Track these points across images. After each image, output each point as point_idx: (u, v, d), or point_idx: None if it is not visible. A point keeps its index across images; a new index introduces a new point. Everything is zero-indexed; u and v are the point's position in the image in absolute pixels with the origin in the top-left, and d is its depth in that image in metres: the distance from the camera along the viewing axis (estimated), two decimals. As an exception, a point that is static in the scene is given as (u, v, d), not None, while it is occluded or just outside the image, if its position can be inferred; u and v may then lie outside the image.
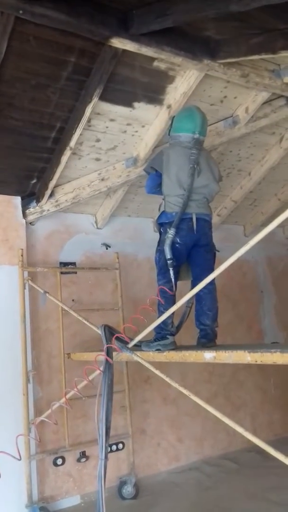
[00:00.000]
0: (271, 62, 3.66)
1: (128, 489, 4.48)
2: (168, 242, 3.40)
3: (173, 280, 3.41)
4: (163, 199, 3.59)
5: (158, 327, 3.28)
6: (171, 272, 3.41)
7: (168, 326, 3.36)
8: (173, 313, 3.24)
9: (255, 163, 5.18)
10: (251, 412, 5.88)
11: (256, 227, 6.17)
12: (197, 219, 3.47)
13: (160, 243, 3.52)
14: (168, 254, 3.39)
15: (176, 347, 3.35)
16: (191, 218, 3.46)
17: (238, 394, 5.80)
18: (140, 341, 3.34)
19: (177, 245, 3.43)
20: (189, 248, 3.52)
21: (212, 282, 3.13)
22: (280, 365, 2.64)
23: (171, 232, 3.40)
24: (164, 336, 3.34)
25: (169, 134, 3.71)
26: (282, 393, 6.22)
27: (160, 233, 3.56)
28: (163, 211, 3.54)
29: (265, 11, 2.87)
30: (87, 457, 4.45)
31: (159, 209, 3.62)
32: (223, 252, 3.55)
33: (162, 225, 3.54)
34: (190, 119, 3.58)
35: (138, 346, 3.36)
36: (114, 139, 4.11)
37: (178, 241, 3.43)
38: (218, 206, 5.61)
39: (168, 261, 3.40)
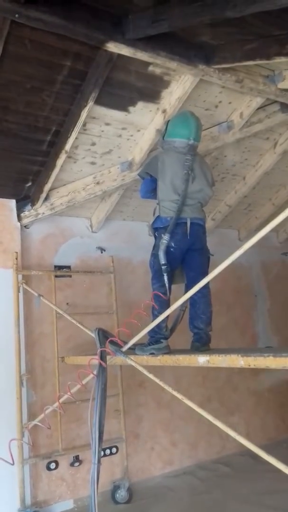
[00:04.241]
0: (266, 68, 3.69)
1: (122, 494, 4.47)
2: (162, 248, 3.40)
3: (167, 284, 3.42)
4: (157, 203, 3.59)
5: (152, 330, 3.29)
6: (165, 277, 3.41)
7: (162, 330, 3.36)
8: (167, 317, 3.24)
9: (249, 168, 5.21)
10: (244, 416, 5.87)
11: (250, 232, 6.18)
12: (191, 223, 3.48)
13: (155, 247, 3.52)
14: (162, 260, 3.39)
15: (170, 351, 3.35)
16: (186, 223, 3.47)
17: (232, 398, 5.80)
18: (134, 345, 3.34)
19: (171, 249, 3.44)
20: (184, 252, 3.52)
21: (206, 286, 3.13)
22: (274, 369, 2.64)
23: (165, 237, 3.40)
24: (158, 340, 3.34)
25: (163, 139, 3.71)
26: (276, 397, 6.23)
27: (155, 238, 3.56)
28: (158, 216, 3.54)
29: (260, 18, 2.90)
30: (80, 461, 4.44)
31: (153, 214, 3.63)
32: (217, 256, 3.55)
33: (157, 229, 3.54)
34: (185, 125, 3.58)
35: (132, 350, 3.36)
36: (110, 143, 4.11)
37: (173, 245, 3.43)
38: (212, 210, 5.63)
39: (162, 267, 3.40)
